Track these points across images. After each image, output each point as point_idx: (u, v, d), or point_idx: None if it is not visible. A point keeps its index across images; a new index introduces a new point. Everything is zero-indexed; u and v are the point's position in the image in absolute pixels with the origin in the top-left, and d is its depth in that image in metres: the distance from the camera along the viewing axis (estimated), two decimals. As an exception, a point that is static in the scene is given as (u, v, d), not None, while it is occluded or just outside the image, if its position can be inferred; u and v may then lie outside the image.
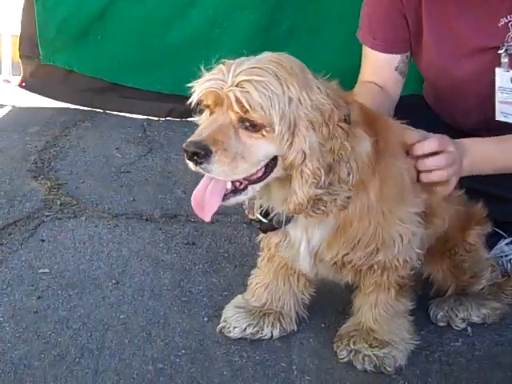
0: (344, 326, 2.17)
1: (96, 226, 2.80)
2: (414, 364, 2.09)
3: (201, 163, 1.67)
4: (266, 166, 1.75)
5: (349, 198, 1.77)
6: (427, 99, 2.78)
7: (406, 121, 2.00)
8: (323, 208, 1.75)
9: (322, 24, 3.60)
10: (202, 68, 1.74)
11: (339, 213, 1.83)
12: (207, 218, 1.77)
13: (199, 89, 1.72)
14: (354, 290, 2.14)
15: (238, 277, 2.51)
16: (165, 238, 2.76)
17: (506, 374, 2.09)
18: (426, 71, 2.57)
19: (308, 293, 2.23)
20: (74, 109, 4.17)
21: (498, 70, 2.31)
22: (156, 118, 4.14)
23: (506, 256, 2.53)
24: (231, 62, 1.71)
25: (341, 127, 1.71)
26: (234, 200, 1.78)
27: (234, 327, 2.16)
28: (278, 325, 2.18)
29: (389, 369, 2.04)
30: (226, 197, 1.77)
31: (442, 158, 1.98)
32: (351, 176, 1.74)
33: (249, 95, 1.63)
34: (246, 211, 2.92)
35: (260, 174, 1.76)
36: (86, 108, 4.17)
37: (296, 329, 2.22)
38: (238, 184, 1.76)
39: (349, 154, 1.72)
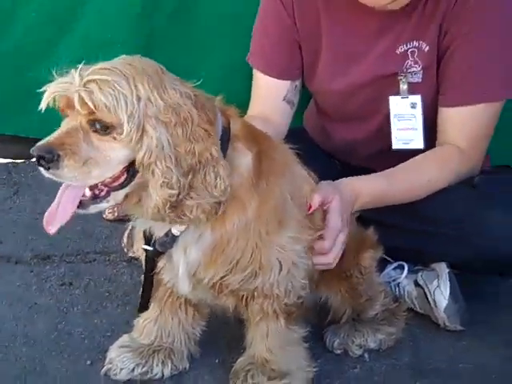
0: (239, 360, 2.04)
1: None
2: (315, 394, 2.00)
3: (49, 168, 1.58)
4: (128, 171, 1.66)
5: (219, 204, 1.68)
6: (310, 131, 2.74)
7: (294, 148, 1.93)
8: (188, 214, 1.66)
9: (196, 63, 3.50)
10: (55, 73, 1.63)
11: (216, 229, 1.75)
12: (53, 230, 1.65)
13: (47, 94, 1.62)
14: (246, 322, 2.02)
15: (121, 316, 2.34)
16: (37, 281, 2.53)
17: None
18: (322, 101, 2.53)
19: (199, 327, 2.11)
20: None
21: (392, 99, 2.30)
22: (22, 160, 3.87)
23: (393, 281, 2.51)
24: (83, 66, 1.63)
25: (204, 129, 1.64)
26: (93, 208, 1.69)
27: (121, 369, 2.01)
28: (169, 362, 2.05)
29: (290, 401, 1.93)
30: (85, 205, 1.67)
31: (334, 254, 1.98)
32: (220, 181, 1.65)
33: (93, 95, 1.56)
34: (125, 249, 2.79)
35: (122, 180, 1.67)
36: None
37: (188, 367, 2.08)
38: (98, 191, 1.67)
39: (216, 158, 1.65)
